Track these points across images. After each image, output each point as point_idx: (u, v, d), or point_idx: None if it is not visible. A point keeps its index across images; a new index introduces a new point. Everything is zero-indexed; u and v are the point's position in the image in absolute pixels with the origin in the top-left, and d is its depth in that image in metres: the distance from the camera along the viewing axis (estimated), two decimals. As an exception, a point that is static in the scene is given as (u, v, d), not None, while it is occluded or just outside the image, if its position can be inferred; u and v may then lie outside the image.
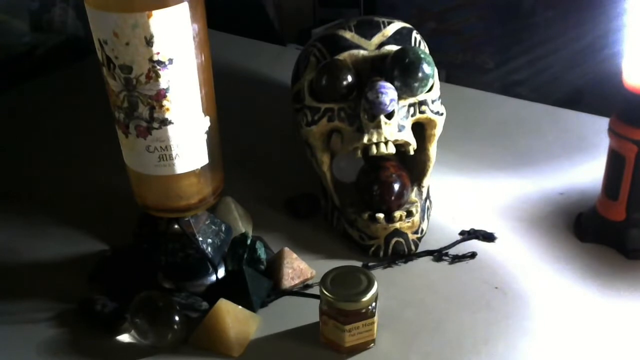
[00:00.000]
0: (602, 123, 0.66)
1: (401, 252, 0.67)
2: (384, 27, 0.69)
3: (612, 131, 0.64)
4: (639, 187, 0.64)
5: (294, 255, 0.65)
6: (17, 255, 0.70)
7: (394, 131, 0.64)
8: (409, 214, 0.67)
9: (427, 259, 0.68)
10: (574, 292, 0.63)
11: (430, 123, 0.68)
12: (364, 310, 0.55)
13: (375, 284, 0.55)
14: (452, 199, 0.75)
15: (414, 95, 0.66)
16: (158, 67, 0.52)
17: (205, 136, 0.58)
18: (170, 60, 0.52)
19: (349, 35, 0.68)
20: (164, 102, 0.54)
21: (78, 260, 0.69)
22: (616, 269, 0.65)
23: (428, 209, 0.71)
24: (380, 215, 0.66)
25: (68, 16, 1.10)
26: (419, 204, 0.68)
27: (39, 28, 1.06)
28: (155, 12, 0.50)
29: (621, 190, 0.64)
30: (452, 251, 0.68)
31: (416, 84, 0.65)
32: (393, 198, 0.66)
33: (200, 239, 0.61)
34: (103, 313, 0.61)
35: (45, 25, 1.07)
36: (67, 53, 1.10)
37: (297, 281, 0.64)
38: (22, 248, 0.71)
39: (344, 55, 0.67)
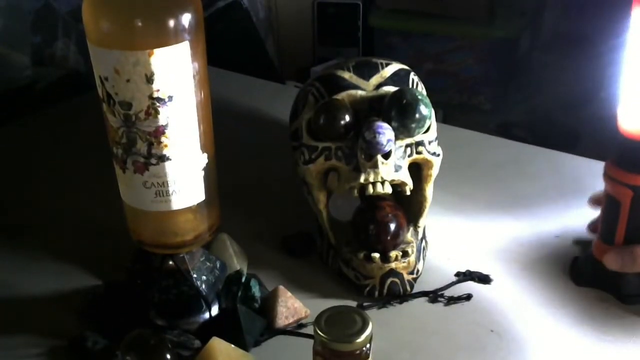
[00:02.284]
0: (598, 167, 0.67)
1: (396, 293, 0.67)
2: (382, 68, 0.70)
3: (607, 176, 0.64)
4: (635, 232, 0.64)
5: (289, 294, 0.65)
6: (9, 289, 0.69)
7: (390, 171, 0.64)
8: (405, 254, 0.67)
9: (423, 300, 0.67)
10: (569, 337, 0.62)
11: (427, 164, 0.68)
12: (358, 352, 0.54)
13: (370, 324, 0.55)
14: (448, 239, 0.75)
15: (411, 136, 0.66)
16: (157, 104, 0.53)
17: (203, 173, 0.58)
18: (170, 98, 0.53)
19: (347, 75, 0.69)
20: (163, 139, 0.54)
21: (70, 295, 0.68)
22: (612, 314, 0.64)
23: (424, 249, 0.71)
24: (376, 255, 0.66)
25: (70, 51, 1.11)
26: (414, 244, 0.68)
27: (40, 62, 1.07)
28: (156, 51, 0.51)
29: (617, 235, 0.64)
30: (448, 292, 0.68)
31: (413, 125, 0.66)
32: (389, 238, 0.66)
33: (195, 275, 0.61)
34: (94, 350, 0.60)
35: (47, 59, 1.08)
36: (67, 88, 1.10)
37: (291, 320, 0.64)
38: (14, 281, 0.70)
39: (342, 95, 0.68)
